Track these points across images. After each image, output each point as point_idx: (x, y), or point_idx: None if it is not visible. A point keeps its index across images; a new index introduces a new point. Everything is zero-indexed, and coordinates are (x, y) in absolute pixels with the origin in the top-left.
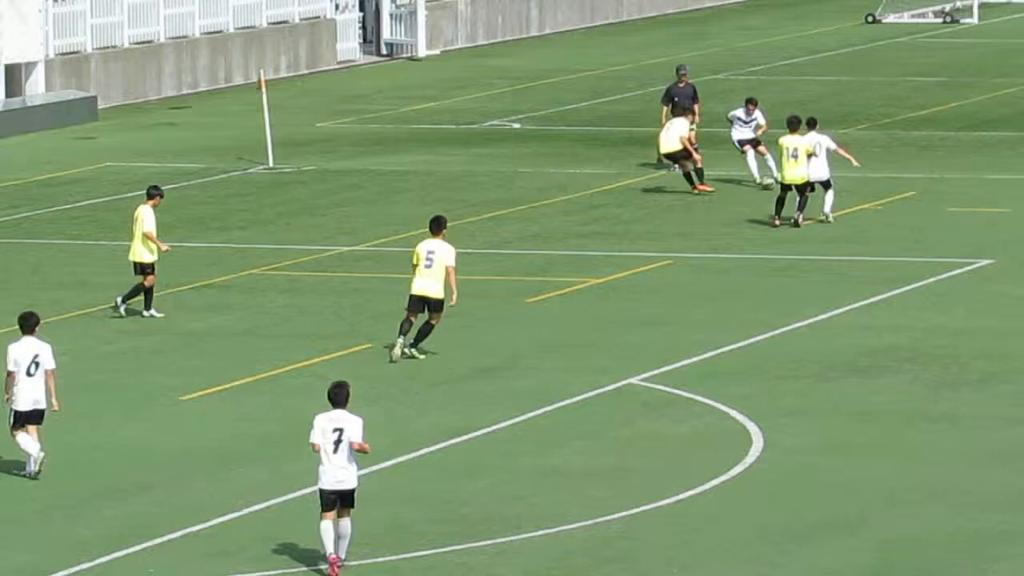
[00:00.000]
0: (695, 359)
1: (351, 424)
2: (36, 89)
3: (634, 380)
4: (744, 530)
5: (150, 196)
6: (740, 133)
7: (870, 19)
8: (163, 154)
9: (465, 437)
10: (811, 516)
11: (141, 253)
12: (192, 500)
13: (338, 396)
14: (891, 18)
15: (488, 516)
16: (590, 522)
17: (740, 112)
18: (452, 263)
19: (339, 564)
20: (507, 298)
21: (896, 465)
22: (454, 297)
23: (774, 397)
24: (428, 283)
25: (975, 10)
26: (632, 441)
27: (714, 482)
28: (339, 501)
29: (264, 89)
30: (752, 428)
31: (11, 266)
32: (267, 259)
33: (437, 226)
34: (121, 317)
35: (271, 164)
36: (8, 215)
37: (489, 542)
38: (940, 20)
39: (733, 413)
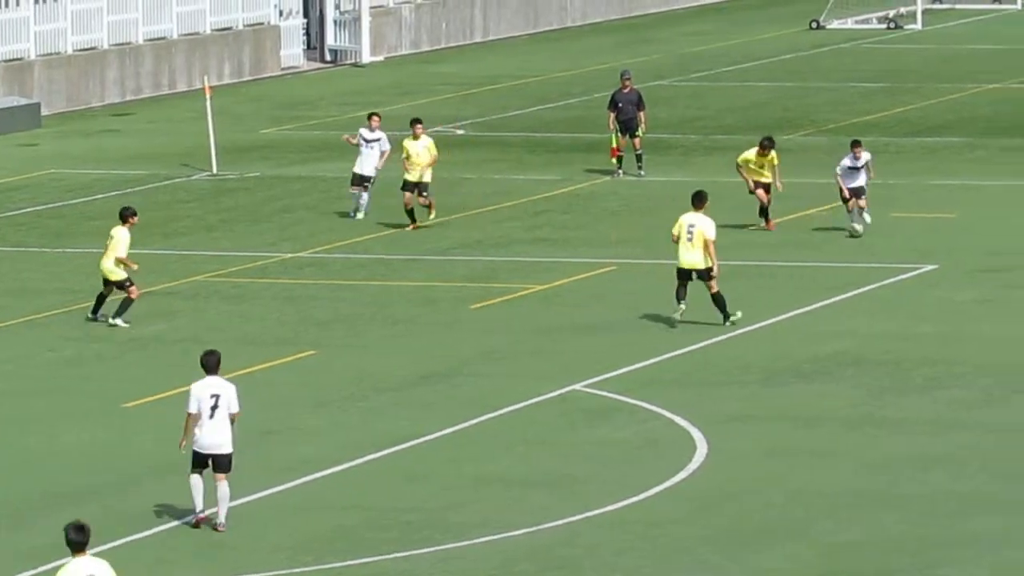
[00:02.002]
0: (639, 365)
1: (226, 390)
2: None
3: (578, 386)
4: (689, 536)
5: (124, 219)
6: (851, 179)
7: (814, 25)
8: (106, 161)
9: (409, 444)
10: (756, 522)
11: (111, 271)
12: (136, 507)
13: (209, 362)
14: (835, 24)
15: (432, 523)
16: (534, 529)
17: (847, 160)
18: (712, 236)
19: (220, 528)
20: (451, 304)
21: (841, 470)
22: (715, 267)
23: (718, 403)
24: (692, 256)
25: (919, 16)
26: (576, 447)
27: (659, 488)
28: (214, 465)
29: (209, 95)
30: (696, 434)
31: None
32: (211, 266)
33: (699, 200)
34: (128, 325)
35: (215, 171)
36: None
37: (433, 549)
38: (884, 26)
39: (677, 419)
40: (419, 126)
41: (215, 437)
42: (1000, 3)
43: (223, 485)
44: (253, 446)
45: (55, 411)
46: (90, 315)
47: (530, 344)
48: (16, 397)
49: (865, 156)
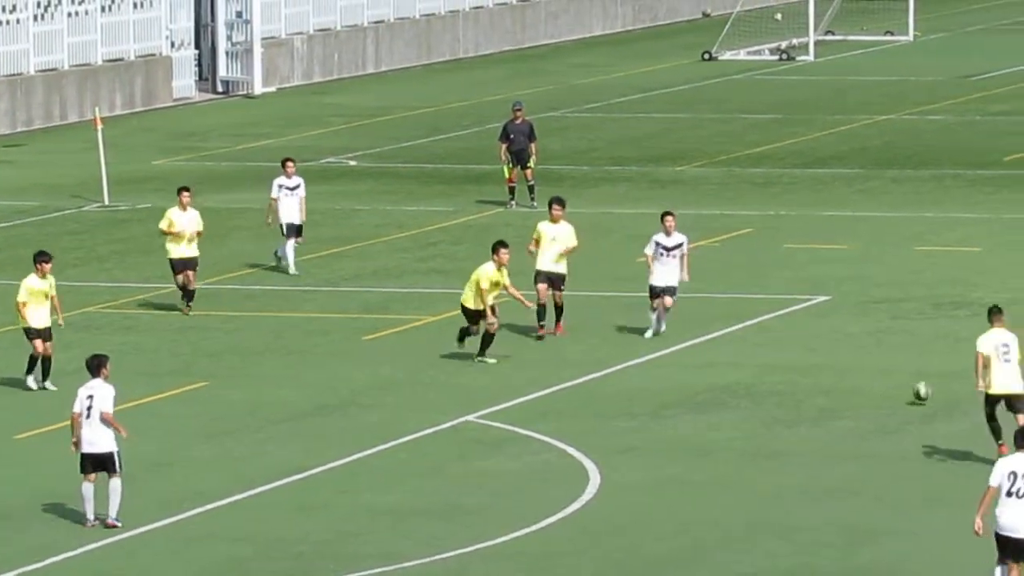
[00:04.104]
0: (531, 396)
1: (101, 391)
2: None
3: (471, 417)
4: (582, 567)
5: (34, 264)
6: (659, 272)
7: (706, 56)
8: None
9: (302, 475)
10: (648, 553)
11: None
12: (28, 539)
13: (91, 365)
14: (727, 55)
15: (324, 554)
16: (426, 560)
17: (659, 235)
18: (485, 286)
19: (112, 524)
20: (345, 335)
21: (733, 502)
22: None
23: (610, 434)
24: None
25: (811, 48)
26: (469, 478)
27: (551, 519)
28: (102, 466)
29: (99, 126)
30: (589, 465)
31: None
32: (102, 297)
33: (498, 248)
34: (41, 389)
35: (106, 202)
36: None
37: None
38: (776, 57)
39: (570, 450)
40: (187, 194)
41: (91, 436)
42: (892, 35)
43: (114, 481)
44: (146, 477)
45: None
46: (29, 379)
47: (423, 375)
48: None
49: (680, 238)
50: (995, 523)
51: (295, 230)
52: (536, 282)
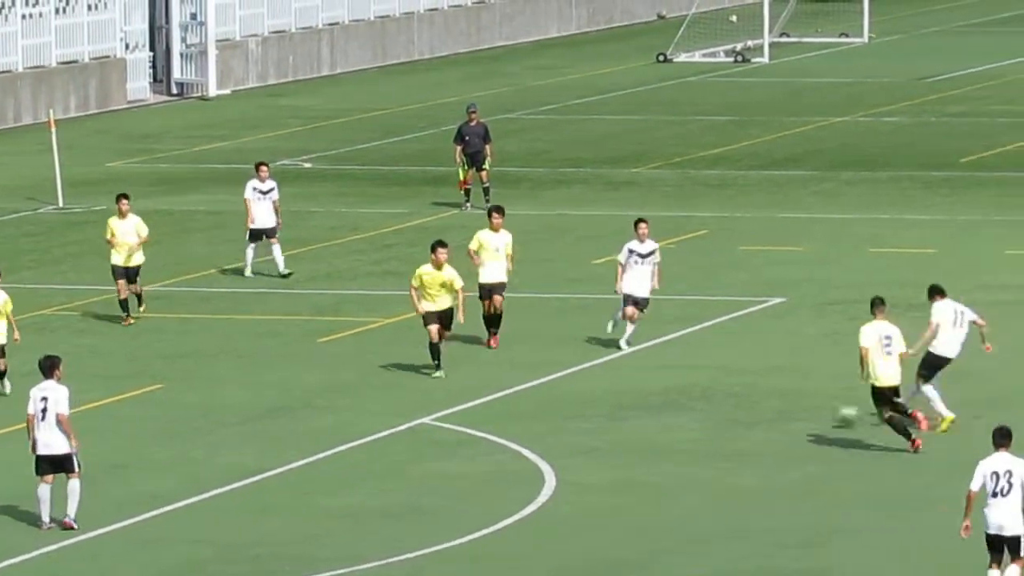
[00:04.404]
0: (487, 398)
1: (55, 393)
2: None
3: (427, 419)
4: (538, 569)
5: None
6: (631, 279)
7: (661, 58)
8: None
9: (258, 477)
10: (605, 555)
11: None
12: None
13: (43, 366)
14: (682, 57)
15: (281, 556)
16: (384, 562)
17: (632, 243)
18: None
19: (69, 525)
20: (299, 338)
21: (690, 503)
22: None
23: (566, 436)
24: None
25: (766, 49)
26: (425, 480)
27: (508, 521)
28: (59, 467)
29: (54, 129)
30: (545, 467)
31: None
32: (58, 299)
33: (436, 247)
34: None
35: (61, 204)
36: None
37: None
38: (731, 59)
39: (526, 452)
40: (125, 201)
41: (46, 438)
42: (847, 37)
43: (71, 482)
44: (101, 480)
45: None
46: None
47: (378, 377)
48: None
49: (653, 244)
50: (984, 524)
51: (260, 234)
52: (481, 297)
